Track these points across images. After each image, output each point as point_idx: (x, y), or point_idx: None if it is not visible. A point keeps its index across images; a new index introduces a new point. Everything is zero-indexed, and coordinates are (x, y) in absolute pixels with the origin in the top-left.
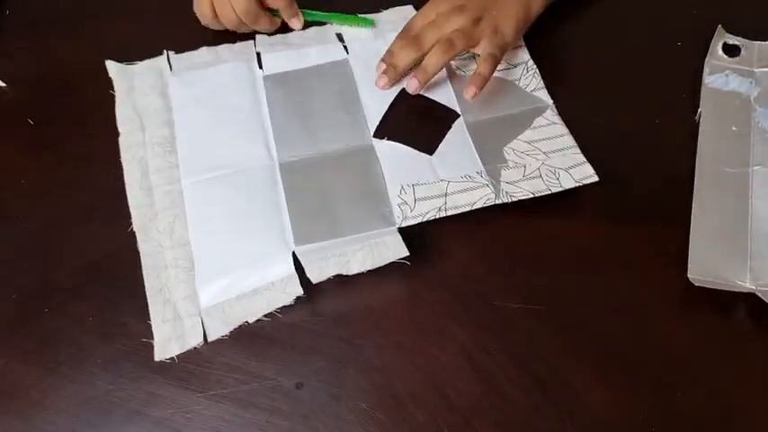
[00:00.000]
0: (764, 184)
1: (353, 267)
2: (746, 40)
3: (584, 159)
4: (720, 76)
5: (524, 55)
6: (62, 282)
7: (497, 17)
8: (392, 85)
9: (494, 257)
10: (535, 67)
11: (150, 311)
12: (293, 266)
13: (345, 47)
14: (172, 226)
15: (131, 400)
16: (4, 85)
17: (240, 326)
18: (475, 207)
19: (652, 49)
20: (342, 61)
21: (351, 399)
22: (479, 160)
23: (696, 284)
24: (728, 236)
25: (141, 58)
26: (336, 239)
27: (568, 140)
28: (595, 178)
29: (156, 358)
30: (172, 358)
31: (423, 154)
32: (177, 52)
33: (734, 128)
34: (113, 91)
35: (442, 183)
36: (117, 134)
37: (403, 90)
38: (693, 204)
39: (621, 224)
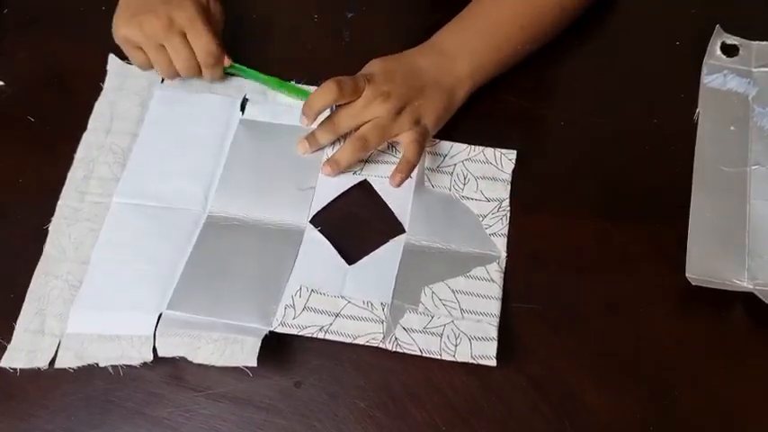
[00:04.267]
0: (762, 183)
1: (199, 357)
2: (744, 40)
3: (495, 336)
4: (719, 76)
5: (504, 192)
6: None
7: (420, 107)
8: (312, 151)
9: None
10: (508, 209)
11: (20, 314)
12: (153, 329)
13: None
14: (83, 238)
15: (130, 400)
16: (2, 83)
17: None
18: (356, 342)
19: (650, 49)
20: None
21: (349, 397)
22: (392, 291)
23: (694, 284)
24: (727, 235)
25: None
26: (205, 318)
27: (494, 307)
28: (493, 363)
29: (2, 364)
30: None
31: (342, 260)
32: None
33: (732, 127)
34: (103, 83)
35: (341, 300)
36: None
37: (362, 182)
38: (692, 204)
39: (620, 223)
